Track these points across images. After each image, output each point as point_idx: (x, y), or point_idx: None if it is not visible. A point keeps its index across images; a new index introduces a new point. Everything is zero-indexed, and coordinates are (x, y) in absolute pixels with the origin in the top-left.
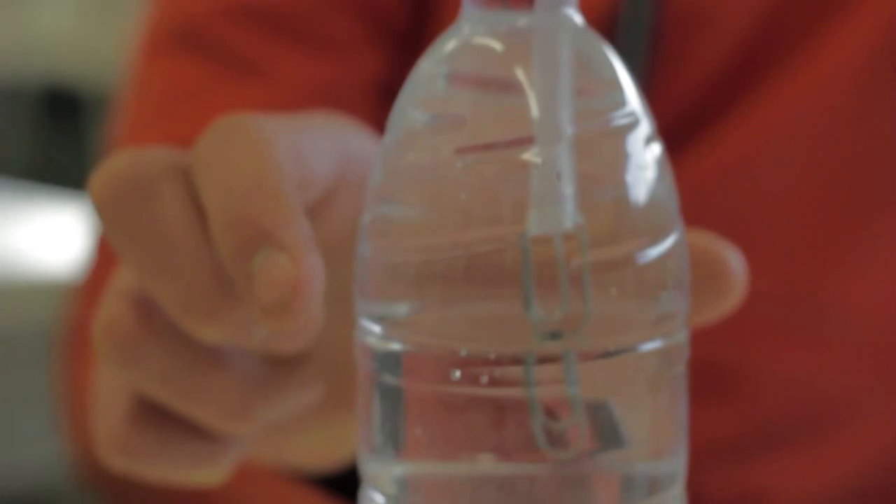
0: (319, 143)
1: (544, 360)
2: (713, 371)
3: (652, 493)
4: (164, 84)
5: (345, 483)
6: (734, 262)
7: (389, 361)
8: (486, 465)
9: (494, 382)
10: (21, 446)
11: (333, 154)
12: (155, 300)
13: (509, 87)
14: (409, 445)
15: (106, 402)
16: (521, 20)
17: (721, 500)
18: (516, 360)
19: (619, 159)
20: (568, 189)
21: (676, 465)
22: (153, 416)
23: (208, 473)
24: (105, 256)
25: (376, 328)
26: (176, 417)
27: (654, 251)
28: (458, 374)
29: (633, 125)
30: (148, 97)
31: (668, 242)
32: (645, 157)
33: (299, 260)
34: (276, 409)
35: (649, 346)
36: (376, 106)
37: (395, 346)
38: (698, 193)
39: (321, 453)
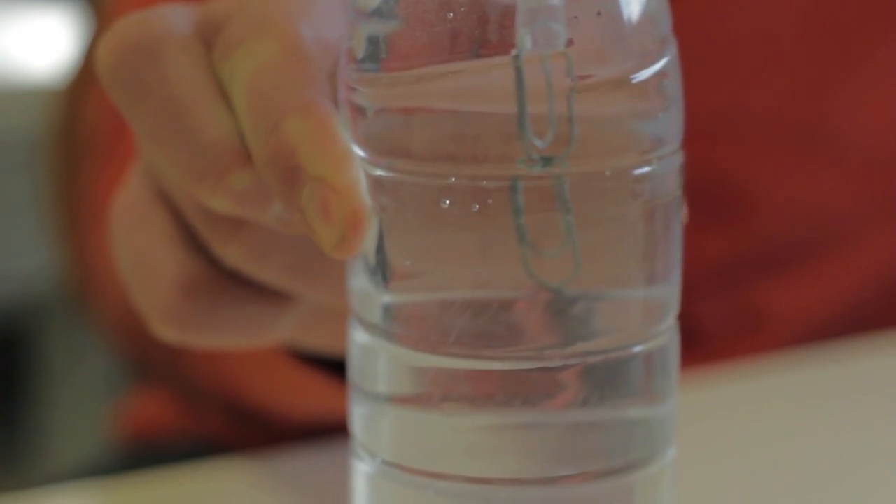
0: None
1: (536, 186)
2: (713, 193)
3: (645, 323)
4: None
5: None
6: None
7: (379, 188)
8: (474, 293)
9: (484, 210)
10: (8, 255)
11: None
12: (164, 171)
13: None
14: (397, 273)
15: (147, 270)
16: None
17: (718, 322)
18: (507, 187)
19: None
20: (556, 2)
21: (670, 293)
22: (205, 281)
23: (260, 341)
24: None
25: (366, 154)
26: (228, 282)
27: (649, 71)
28: (447, 202)
29: None
30: None
31: (663, 62)
32: None
33: (351, 200)
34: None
35: (644, 170)
36: None
37: (385, 173)
38: (700, 20)
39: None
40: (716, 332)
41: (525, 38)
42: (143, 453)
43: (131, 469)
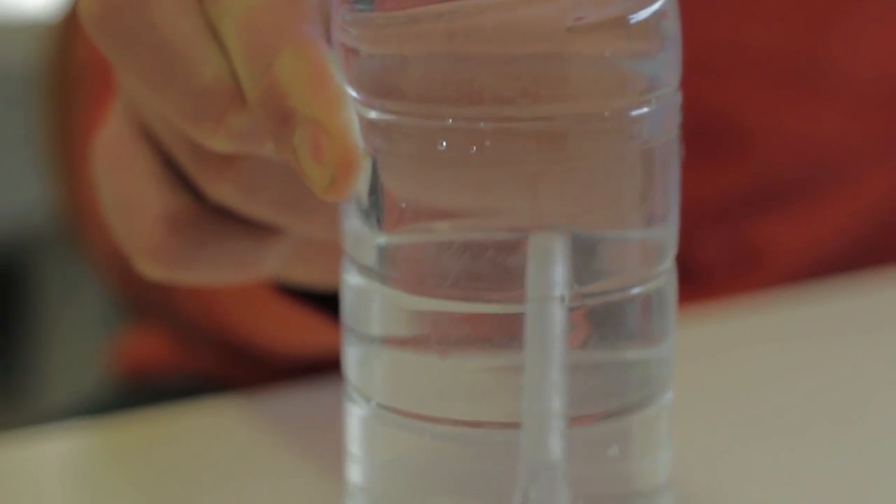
0: None
1: (534, 128)
2: (711, 129)
3: (644, 265)
4: None
5: None
6: None
7: (372, 130)
8: (471, 235)
9: (481, 152)
10: (3, 189)
11: None
12: (154, 113)
13: None
14: (391, 216)
15: (131, 207)
16: None
17: (716, 258)
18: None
19: None
20: None
21: (668, 234)
22: (189, 217)
23: (247, 276)
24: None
25: (360, 96)
26: (213, 218)
27: (647, 11)
28: (444, 143)
29: None
30: None
31: (661, 1)
32: None
33: (343, 142)
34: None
35: (642, 111)
36: None
37: (379, 116)
38: None
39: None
40: (714, 268)
41: None
42: (139, 388)
43: (127, 404)
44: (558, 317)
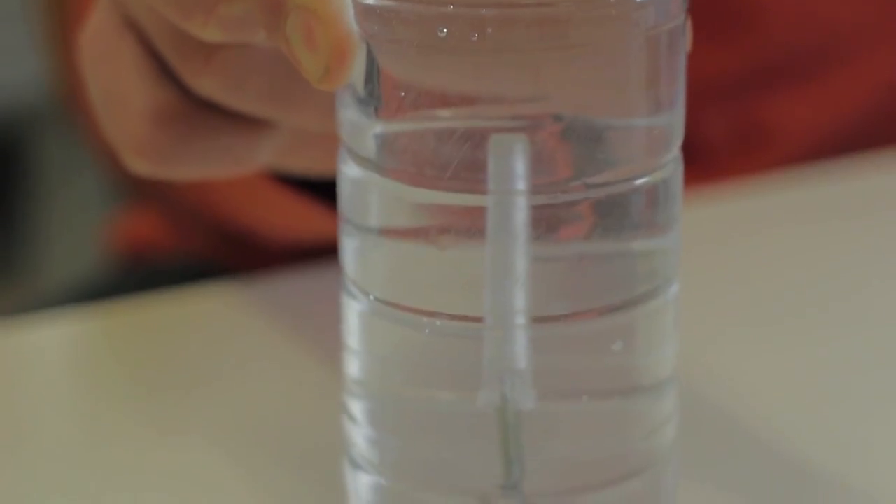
0: None
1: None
2: (718, 5)
3: (650, 154)
4: None
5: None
6: None
7: (369, 16)
8: (472, 124)
9: (483, 39)
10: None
11: None
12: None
13: None
14: (389, 104)
15: (117, 101)
16: None
17: (722, 137)
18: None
19: None
20: None
21: (674, 122)
22: (176, 111)
23: (237, 170)
24: None
25: None
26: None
27: None
28: (445, 30)
29: None
30: None
31: None
32: None
33: (337, 28)
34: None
35: None
36: None
37: (375, 1)
38: None
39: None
40: (719, 147)
41: None
42: (136, 269)
43: (125, 285)
44: (521, 212)
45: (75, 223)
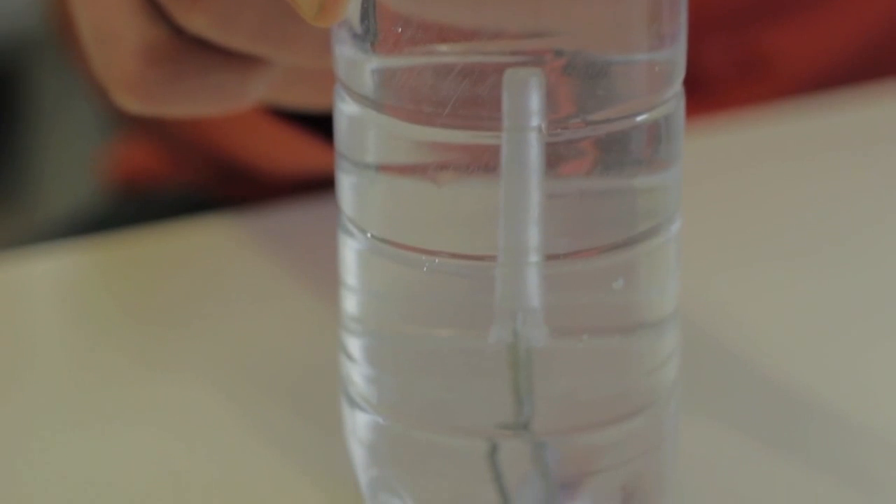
0: None
1: None
2: None
3: (651, 90)
4: None
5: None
6: None
7: None
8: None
9: None
10: None
11: None
12: None
13: None
14: (386, 39)
15: (107, 38)
16: None
17: (723, 68)
18: None
19: None
20: None
21: (676, 57)
22: (167, 49)
23: (231, 108)
24: None
25: None
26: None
27: None
28: None
29: None
30: None
31: None
32: None
33: None
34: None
35: None
36: None
37: None
38: None
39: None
40: (720, 77)
41: None
42: (133, 199)
43: (121, 215)
44: (535, 148)
45: (72, 152)
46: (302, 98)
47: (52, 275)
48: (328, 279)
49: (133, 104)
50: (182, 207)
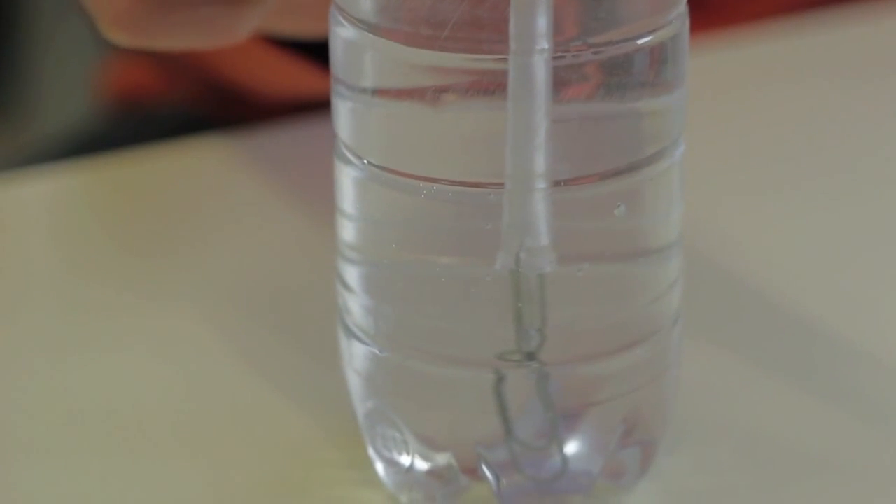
0: None
1: None
2: None
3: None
4: None
5: None
6: None
7: None
8: None
9: None
10: None
11: None
12: None
13: None
14: None
15: None
16: None
17: None
18: None
19: None
20: None
21: None
22: None
23: (222, 42)
24: None
25: None
26: None
27: None
28: None
29: None
30: None
31: None
32: None
33: None
34: None
35: None
36: None
37: None
38: None
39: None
40: None
41: None
42: (129, 116)
43: (117, 132)
44: (542, 72)
45: (68, 69)
46: (297, 27)
47: (45, 196)
48: (327, 203)
49: (122, 38)
50: (179, 125)
